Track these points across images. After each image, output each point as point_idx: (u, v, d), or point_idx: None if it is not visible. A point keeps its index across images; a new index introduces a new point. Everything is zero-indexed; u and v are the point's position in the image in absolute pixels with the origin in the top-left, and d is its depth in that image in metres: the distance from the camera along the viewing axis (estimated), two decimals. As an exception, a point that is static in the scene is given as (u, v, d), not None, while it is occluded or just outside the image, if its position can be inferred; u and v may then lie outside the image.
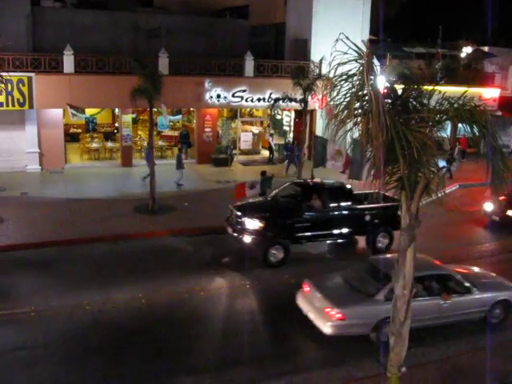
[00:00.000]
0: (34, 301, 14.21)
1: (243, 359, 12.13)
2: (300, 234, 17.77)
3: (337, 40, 7.79)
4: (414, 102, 8.63)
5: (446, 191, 23.54)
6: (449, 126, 31.69)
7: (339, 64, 7.87)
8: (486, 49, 40.81)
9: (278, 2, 38.22)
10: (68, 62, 26.83)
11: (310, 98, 24.21)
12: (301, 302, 13.57)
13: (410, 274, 9.22)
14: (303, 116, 25.18)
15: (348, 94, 8.00)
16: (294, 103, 24.85)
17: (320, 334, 12.98)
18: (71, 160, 30.13)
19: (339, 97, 8.10)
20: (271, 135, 33.23)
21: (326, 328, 12.40)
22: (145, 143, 30.48)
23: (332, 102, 8.19)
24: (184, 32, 33.36)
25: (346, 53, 7.77)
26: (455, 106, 8.60)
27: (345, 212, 18.38)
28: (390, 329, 9.63)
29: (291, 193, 19.02)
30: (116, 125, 35.47)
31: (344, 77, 8.03)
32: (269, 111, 24.91)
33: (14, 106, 25.80)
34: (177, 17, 34.80)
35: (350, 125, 8.28)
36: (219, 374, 11.52)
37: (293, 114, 34.26)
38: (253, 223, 17.12)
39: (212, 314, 14.30)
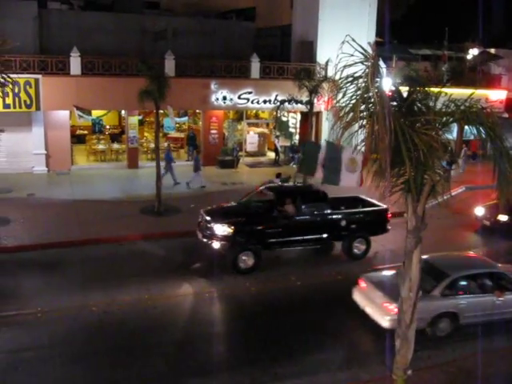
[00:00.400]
0: (40, 302, 14.25)
1: (250, 360, 12.17)
2: (272, 240, 17.21)
3: (343, 42, 7.79)
4: (419, 105, 8.62)
5: (452, 193, 23.61)
6: (455, 128, 31.69)
7: (345, 66, 7.87)
8: (492, 51, 40.71)
9: (283, 4, 38.24)
10: (75, 63, 26.94)
11: (315, 99, 24.22)
12: (357, 298, 14.05)
13: (416, 277, 9.20)
14: (309, 118, 25.19)
15: (354, 97, 7.99)
16: (299, 105, 24.87)
17: (319, 338, 12.99)
18: (77, 161, 30.22)
19: (345, 99, 8.10)
20: (277, 137, 33.25)
21: (385, 322, 12.80)
22: (151, 145, 30.53)
23: (338, 105, 8.19)
24: (190, 34, 33.43)
25: (352, 55, 7.77)
26: (462, 108, 8.58)
27: (319, 217, 17.91)
28: (396, 331, 9.61)
29: (265, 198, 18.46)
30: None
31: (350, 79, 8.02)
32: (274, 113, 24.91)
33: (21, 107, 25.91)
34: (183, 19, 34.86)
35: (355, 127, 8.27)
36: (225, 376, 11.55)
37: (299, 116, 34.26)
38: (222, 229, 16.66)
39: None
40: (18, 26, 27.23)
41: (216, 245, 16.71)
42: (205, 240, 17.09)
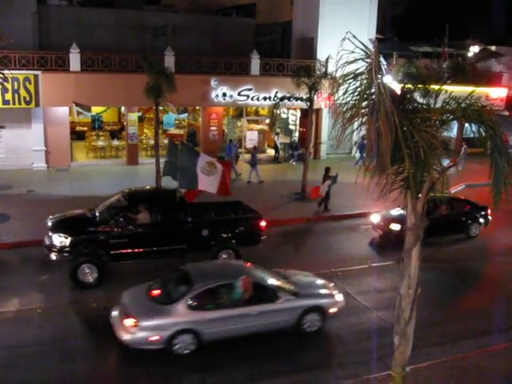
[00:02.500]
0: (39, 298, 14.27)
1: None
2: (118, 252, 15.51)
3: (343, 39, 7.77)
4: (417, 104, 8.62)
5: (452, 191, 23.55)
6: (455, 126, 31.63)
7: (346, 63, 7.85)
8: (493, 48, 40.68)
9: (284, 0, 38.22)
10: (74, 60, 26.89)
11: (315, 96, 24.19)
12: None
13: (414, 274, 9.20)
14: (309, 115, 25.17)
15: (355, 93, 7.98)
16: (299, 102, 24.85)
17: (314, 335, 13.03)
18: (77, 158, 30.20)
19: (346, 96, 8.09)
20: (277, 134, 33.20)
21: None
22: (151, 141, 30.50)
23: (338, 101, 8.17)
24: (190, 30, 33.41)
25: (352, 52, 7.75)
26: (462, 105, 8.57)
27: (174, 225, 16.17)
28: (395, 328, 9.62)
29: (118, 204, 16.46)
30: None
31: (351, 76, 8.00)
32: (274, 110, 24.91)
33: (20, 103, 25.86)
34: (183, 15, 34.85)
35: (355, 124, 8.26)
36: (222, 373, 11.58)
37: (299, 113, 34.25)
38: (59, 239, 15.18)
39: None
40: (17, 22, 27.20)
41: (54, 256, 15.26)
42: (46, 251, 15.50)
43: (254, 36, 36.55)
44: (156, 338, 11.72)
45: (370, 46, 7.94)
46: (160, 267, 16.03)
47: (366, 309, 14.70)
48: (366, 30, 31.45)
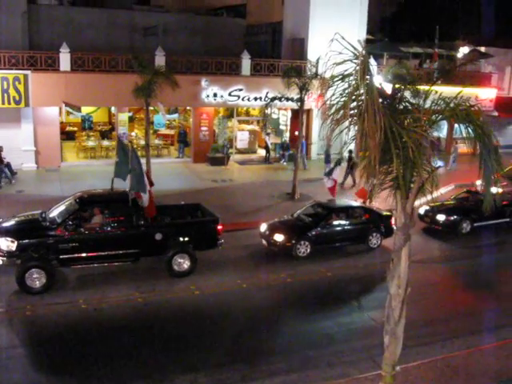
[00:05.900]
0: (28, 299, 14.20)
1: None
2: (67, 256, 15.02)
3: (332, 40, 7.79)
4: (406, 104, 8.66)
5: (442, 191, 23.64)
6: (445, 126, 31.74)
7: (334, 64, 7.86)
8: (482, 49, 40.87)
9: (275, 0, 38.27)
10: (64, 59, 26.79)
11: (306, 97, 24.26)
12: None
13: (405, 274, 9.23)
14: (300, 115, 25.21)
15: (344, 94, 7.99)
16: (290, 102, 24.90)
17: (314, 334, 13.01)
18: (67, 158, 30.07)
19: (335, 97, 8.10)
20: (268, 134, 33.21)
21: None
22: (141, 142, 30.43)
23: (328, 102, 8.18)
24: (181, 30, 33.45)
25: (341, 52, 7.77)
26: (451, 105, 8.61)
27: (126, 229, 15.72)
28: (385, 328, 9.64)
29: (69, 207, 15.86)
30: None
31: (340, 77, 8.02)
32: (265, 110, 24.96)
33: (9, 103, 25.73)
34: (174, 15, 34.90)
35: (345, 125, 8.27)
36: (213, 373, 11.54)
37: (289, 114, 34.28)
38: (6, 243, 14.70)
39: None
40: (6, 22, 27.10)
41: (0, 261, 14.76)
42: None
43: (245, 36, 36.60)
44: None
45: (359, 48, 7.96)
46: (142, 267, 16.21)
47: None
48: (357, 31, 31.57)
